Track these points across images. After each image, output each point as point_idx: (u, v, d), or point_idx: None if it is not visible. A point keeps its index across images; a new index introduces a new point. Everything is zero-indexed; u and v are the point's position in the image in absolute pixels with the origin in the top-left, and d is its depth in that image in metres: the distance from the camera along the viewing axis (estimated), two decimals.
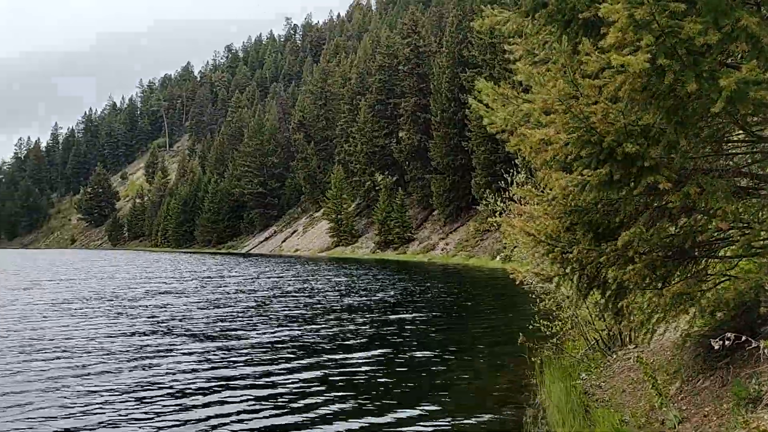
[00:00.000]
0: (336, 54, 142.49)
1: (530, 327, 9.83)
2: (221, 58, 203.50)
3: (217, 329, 14.69)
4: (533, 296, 9.80)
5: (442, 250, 53.93)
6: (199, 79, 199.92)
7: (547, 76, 5.20)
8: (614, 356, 8.49)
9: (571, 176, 5.07)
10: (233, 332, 14.11)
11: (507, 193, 9.60)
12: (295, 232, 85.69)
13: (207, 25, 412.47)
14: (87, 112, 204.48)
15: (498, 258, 41.39)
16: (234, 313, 17.42)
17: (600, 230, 5.60)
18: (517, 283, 8.31)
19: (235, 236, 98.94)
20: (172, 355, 11.35)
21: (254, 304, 20.00)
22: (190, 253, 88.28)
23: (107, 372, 9.89)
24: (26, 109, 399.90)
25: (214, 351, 11.80)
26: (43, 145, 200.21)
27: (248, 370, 10.16)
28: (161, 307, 19.03)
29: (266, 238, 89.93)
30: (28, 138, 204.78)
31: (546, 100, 4.92)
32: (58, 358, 10.97)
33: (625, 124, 4.61)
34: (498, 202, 10.16)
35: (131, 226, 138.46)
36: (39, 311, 18.22)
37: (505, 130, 5.81)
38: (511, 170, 10.57)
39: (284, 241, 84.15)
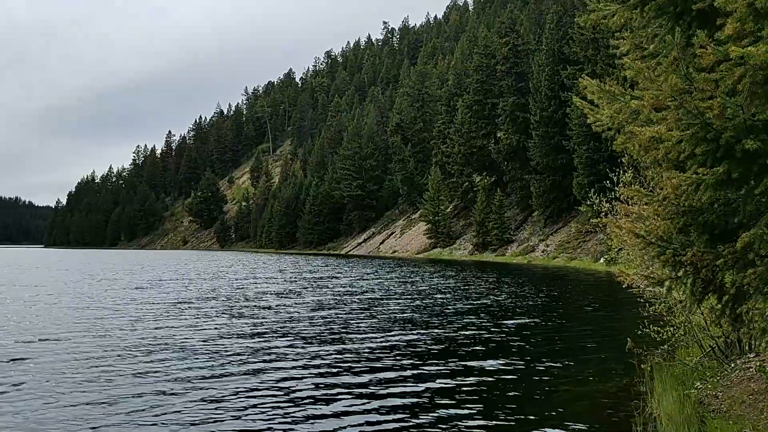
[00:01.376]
0: (433, 56, 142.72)
1: (639, 332, 9.43)
2: (321, 64, 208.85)
3: (330, 332, 14.50)
4: (641, 300, 9.40)
5: (543, 251, 52.70)
6: (300, 84, 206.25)
7: (657, 71, 5.00)
8: (732, 365, 8.00)
9: (685, 175, 4.85)
10: (346, 335, 13.91)
11: (612, 193, 9.29)
12: (392, 233, 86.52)
13: (308, 32, 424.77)
14: (197, 120, 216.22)
15: (602, 260, 40.01)
16: (344, 315, 17.40)
17: (716, 231, 5.31)
18: (624, 286, 8.00)
19: (335, 238, 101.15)
20: (286, 359, 11.19)
21: (363, 306, 19.89)
22: (293, 254, 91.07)
23: (224, 375, 9.93)
24: (144, 119, 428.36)
25: (329, 355, 11.57)
26: (158, 151, 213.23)
27: (367, 376, 9.82)
28: (272, 309, 19.24)
29: (364, 240, 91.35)
30: (145, 146, 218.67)
31: (657, 96, 4.74)
32: (182, 358, 11.14)
33: (745, 120, 4.37)
34: (603, 203, 9.84)
35: (238, 228, 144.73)
36: (155, 311, 19.19)
37: (611, 128, 5.64)
38: (617, 169, 10.19)
39: (382, 242, 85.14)
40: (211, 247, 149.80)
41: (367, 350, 11.98)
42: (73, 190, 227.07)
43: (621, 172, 9.80)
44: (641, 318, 9.53)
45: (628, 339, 8.52)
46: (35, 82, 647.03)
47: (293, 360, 11.14)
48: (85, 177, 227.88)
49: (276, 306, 19.97)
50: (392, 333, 14.10)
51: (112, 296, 23.57)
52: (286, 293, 24.51)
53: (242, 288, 27.40)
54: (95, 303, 21.31)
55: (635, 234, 5.80)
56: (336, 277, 34.03)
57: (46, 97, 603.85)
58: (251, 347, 12.36)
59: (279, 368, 10.36)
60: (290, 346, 12.59)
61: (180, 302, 21.14)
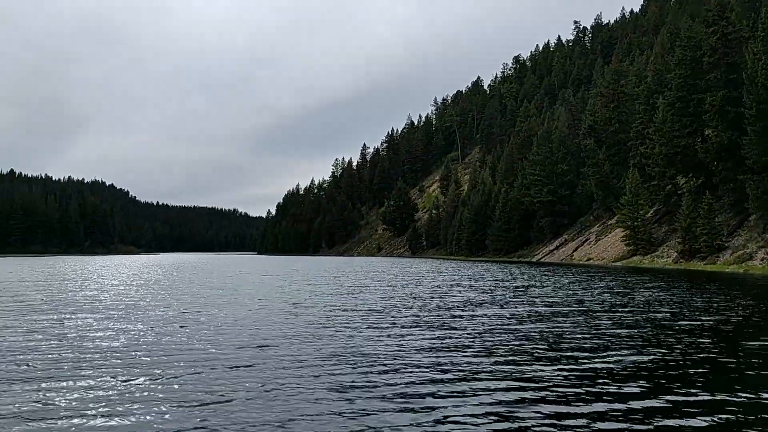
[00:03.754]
0: (629, 52, 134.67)
1: None
2: (509, 70, 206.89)
3: (558, 347, 13.09)
4: None
5: (762, 260, 47.28)
6: (488, 91, 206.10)
7: None
8: None
9: None
10: (567, 352, 12.45)
11: None
12: (586, 240, 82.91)
13: (496, 39, 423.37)
14: (389, 132, 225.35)
15: None
16: (566, 328, 15.99)
17: None
18: None
19: (526, 245, 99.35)
20: (500, 377, 10.11)
21: (575, 318, 17.99)
22: (483, 261, 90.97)
23: (439, 390, 9.22)
24: (342, 133, 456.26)
25: (549, 375, 10.25)
26: (354, 164, 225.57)
27: (602, 406, 8.34)
28: (484, 318, 18.29)
29: (557, 247, 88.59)
30: (342, 158, 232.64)
31: None
32: (388, 371, 10.44)
33: None
34: None
35: (428, 235, 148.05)
36: (356, 317, 20.13)
37: None
38: None
39: (575, 249, 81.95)
40: (403, 254, 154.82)
41: (590, 372, 10.51)
42: (281, 201, 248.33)
43: None
44: None
45: None
46: (249, 105, 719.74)
47: (510, 379, 10.00)
48: (291, 189, 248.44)
49: (490, 315, 18.80)
50: (614, 352, 12.40)
51: (324, 303, 24.87)
52: (495, 302, 23.25)
53: (445, 296, 26.47)
54: (303, 311, 22.83)
55: None
56: (535, 286, 32.41)
57: (259, 118, 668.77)
58: (464, 361, 11.36)
59: (495, 389, 9.27)
60: (504, 363, 11.39)
61: (380, 309, 21.48)
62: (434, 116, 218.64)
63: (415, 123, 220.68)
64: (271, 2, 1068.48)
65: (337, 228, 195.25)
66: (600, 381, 9.83)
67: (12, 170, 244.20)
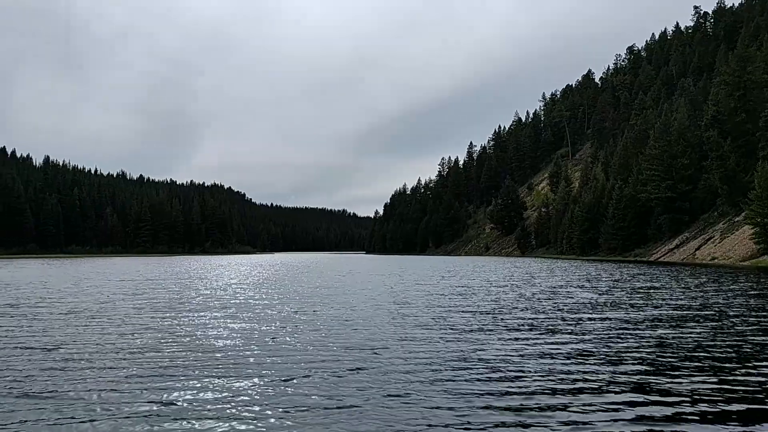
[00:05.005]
0: (756, 36, 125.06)
1: None
2: (622, 61, 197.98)
3: (696, 356, 11.88)
4: None
5: None
6: (600, 85, 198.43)
7: None
8: None
9: None
10: (721, 362, 11.26)
11: None
12: (710, 238, 77.94)
13: (608, 30, 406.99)
14: (496, 130, 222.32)
15: None
16: (702, 334, 14.65)
17: None
18: None
19: (642, 243, 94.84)
20: (643, 390, 9.14)
21: (717, 323, 16.69)
22: (596, 261, 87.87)
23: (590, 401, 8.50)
24: (448, 133, 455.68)
25: (708, 390, 9.19)
26: (461, 162, 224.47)
27: None
28: (606, 321, 17.17)
29: (676, 246, 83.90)
30: (449, 158, 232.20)
31: None
32: (509, 379, 10.31)
33: None
34: None
35: (538, 234, 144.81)
36: (466, 319, 19.85)
37: None
38: None
39: (698, 248, 77.27)
40: (512, 253, 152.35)
41: (738, 385, 9.46)
42: (388, 201, 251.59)
43: None
44: None
45: None
46: (356, 107, 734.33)
47: (643, 392, 9.10)
48: (398, 189, 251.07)
49: (601, 319, 17.86)
50: (763, 363, 11.11)
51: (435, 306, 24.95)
52: (608, 304, 22.24)
53: (562, 299, 25.52)
54: (412, 311, 22.68)
55: None
56: (658, 288, 30.62)
57: (365, 119, 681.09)
58: (587, 370, 10.56)
59: (627, 403, 8.49)
60: (633, 373, 10.43)
61: (489, 311, 21.26)
62: (542, 112, 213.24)
63: (523, 120, 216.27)
64: (374, 6, 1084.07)
65: (444, 227, 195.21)
66: (750, 396, 8.87)
67: (141, 175, 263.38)
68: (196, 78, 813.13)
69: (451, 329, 15.79)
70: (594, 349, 12.78)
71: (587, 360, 11.63)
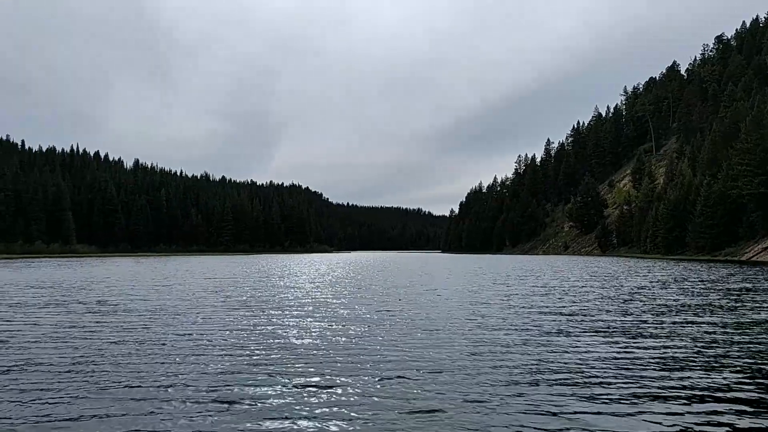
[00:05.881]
0: None
1: None
2: (710, 51, 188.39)
3: None
4: None
5: None
6: (686, 77, 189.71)
7: None
8: None
9: None
10: None
11: None
12: None
13: (693, 20, 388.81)
14: (575, 126, 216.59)
15: None
16: None
17: None
18: None
19: (732, 242, 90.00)
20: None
21: None
22: (683, 260, 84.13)
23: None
24: (525, 129, 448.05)
25: None
26: (538, 160, 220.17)
27: None
28: (703, 326, 16.34)
29: None
30: (526, 155, 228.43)
31: None
32: (601, 384, 10.52)
33: None
34: None
35: (619, 232, 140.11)
36: (548, 321, 19.36)
37: None
38: None
39: None
40: (592, 252, 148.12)
41: None
42: (464, 200, 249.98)
43: None
44: None
45: None
46: (431, 106, 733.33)
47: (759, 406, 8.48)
48: (474, 188, 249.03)
49: (696, 323, 16.98)
50: None
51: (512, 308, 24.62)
52: (702, 307, 21.19)
53: (644, 297, 24.59)
54: (489, 311, 22.43)
55: None
56: (757, 290, 28.61)
57: (440, 118, 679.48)
58: (690, 383, 9.78)
59: (735, 413, 8.04)
60: (742, 383, 9.84)
61: (571, 313, 20.79)
62: (624, 106, 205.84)
63: (603, 115, 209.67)
64: (449, 5, 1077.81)
65: (521, 226, 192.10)
66: None
67: (224, 177, 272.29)
68: (275, 81, 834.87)
69: (531, 331, 15.45)
70: (685, 356, 12.15)
71: (678, 367, 11.06)
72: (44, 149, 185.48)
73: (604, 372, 10.63)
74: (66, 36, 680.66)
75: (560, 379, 10.07)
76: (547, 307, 21.75)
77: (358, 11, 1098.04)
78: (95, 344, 13.60)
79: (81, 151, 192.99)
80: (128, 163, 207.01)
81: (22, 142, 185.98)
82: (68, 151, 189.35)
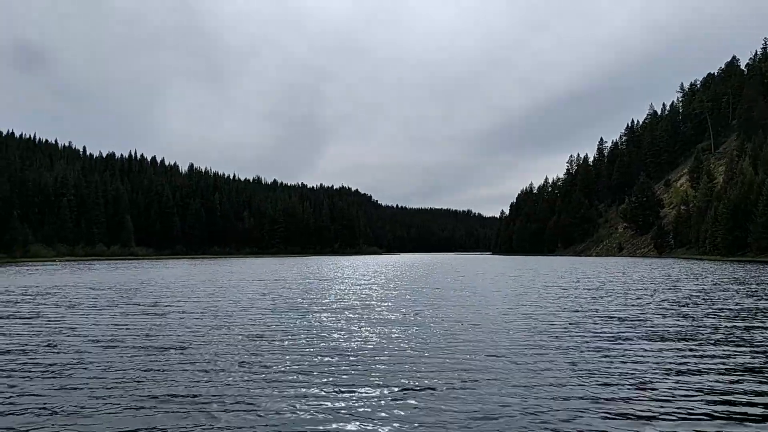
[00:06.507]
0: None
1: None
2: None
3: None
4: None
5: None
6: (746, 72, 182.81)
7: None
8: None
9: None
10: None
11: None
12: None
13: (754, 12, 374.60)
14: (629, 124, 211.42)
15: None
16: None
17: None
18: None
19: None
20: None
21: None
22: (745, 262, 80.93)
23: None
24: (576, 129, 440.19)
25: None
26: (591, 159, 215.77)
27: None
28: None
29: None
30: (578, 155, 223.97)
31: None
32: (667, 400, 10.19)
33: None
34: None
35: (676, 233, 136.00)
36: (603, 326, 18.86)
37: None
38: None
39: None
40: (647, 253, 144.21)
41: None
42: (514, 201, 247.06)
43: None
44: None
45: None
46: (481, 106, 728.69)
47: None
48: (524, 188, 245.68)
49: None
50: None
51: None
52: None
53: (708, 301, 23.45)
54: (541, 315, 22.05)
55: None
56: None
57: (490, 118, 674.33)
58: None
59: None
60: None
61: (630, 318, 20.11)
62: (680, 104, 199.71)
63: (658, 113, 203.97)
64: (500, 3, 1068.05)
65: (574, 227, 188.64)
66: None
67: (275, 180, 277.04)
68: (325, 84, 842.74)
69: (588, 337, 14.96)
70: (756, 365, 11.48)
71: (749, 378, 10.43)
72: (104, 155, 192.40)
73: (666, 382, 10.21)
74: (125, 45, 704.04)
75: (620, 389, 9.74)
76: (605, 310, 21.11)
77: (409, 11, 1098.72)
78: (146, 347, 13.85)
79: (139, 156, 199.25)
80: (183, 167, 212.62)
81: (84, 148, 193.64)
82: (126, 156, 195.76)
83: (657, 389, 9.65)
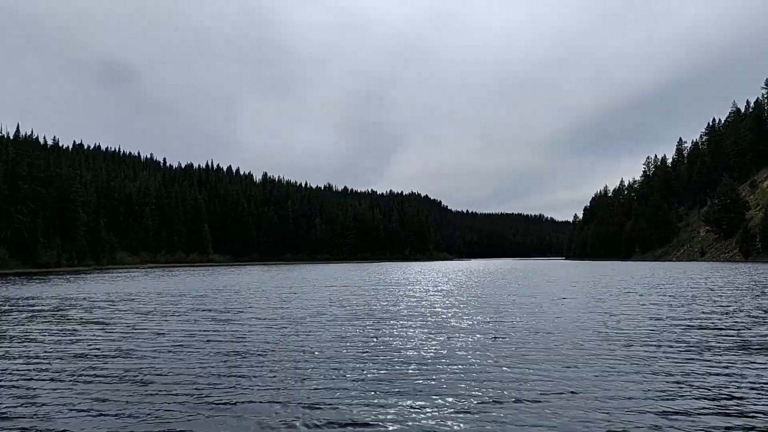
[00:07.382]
0: None
1: None
2: None
3: None
4: None
5: None
6: None
7: None
8: None
9: None
10: None
11: None
12: None
13: None
14: (710, 123, 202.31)
15: None
16: None
17: None
18: None
19: None
20: None
21: None
22: None
23: None
24: (652, 129, 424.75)
25: None
26: (669, 160, 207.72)
27: None
28: None
29: None
30: (655, 156, 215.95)
31: None
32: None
33: None
34: None
35: (764, 236, 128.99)
36: (688, 336, 18.04)
37: None
38: None
39: None
40: (732, 258, 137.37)
41: None
42: (588, 205, 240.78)
43: None
44: None
45: None
46: (551, 108, 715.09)
47: None
48: (598, 192, 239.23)
49: None
50: None
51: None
52: None
53: None
54: (619, 324, 21.34)
55: None
56: None
57: (561, 120, 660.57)
58: None
59: None
60: None
61: (724, 326, 19.28)
62: (765, 101, 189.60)
63: (742, 110, 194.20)
64: (567, 4, 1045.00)
65: (652, 231, 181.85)
66: None
67: (345, 187, 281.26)
68: (394, 89, 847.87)
69: (669, 348, 14.32)
70: None
71: None
72: (183, 166, 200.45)
73: (753, 400, 9.65)
74: (199, 58, 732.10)
75: (701, 407, 9.30)
76: (688, 318, 20.09)
77: (474, 14, 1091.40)
78: (211, 355, 14.09)
79: (215, 166, 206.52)
80: (257, 176, 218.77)
81: (164, 159, 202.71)
82: (203, 166, 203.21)
83: (746, 406, 9.20)
